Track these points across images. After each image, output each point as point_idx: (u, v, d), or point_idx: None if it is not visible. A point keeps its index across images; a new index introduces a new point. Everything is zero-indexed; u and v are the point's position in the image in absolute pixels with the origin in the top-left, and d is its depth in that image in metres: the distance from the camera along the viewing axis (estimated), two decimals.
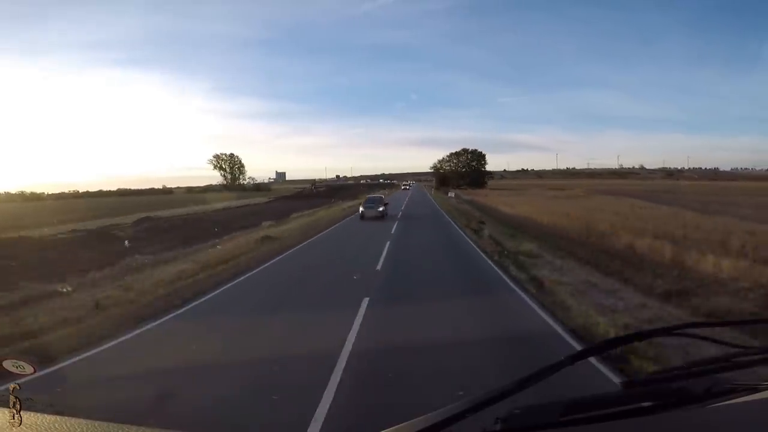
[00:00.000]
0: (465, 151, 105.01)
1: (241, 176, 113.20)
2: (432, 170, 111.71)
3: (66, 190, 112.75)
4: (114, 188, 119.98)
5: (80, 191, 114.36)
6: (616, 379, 3.97)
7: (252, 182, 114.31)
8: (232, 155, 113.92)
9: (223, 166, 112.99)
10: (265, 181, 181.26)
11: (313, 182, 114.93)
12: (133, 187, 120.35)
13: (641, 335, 0.91)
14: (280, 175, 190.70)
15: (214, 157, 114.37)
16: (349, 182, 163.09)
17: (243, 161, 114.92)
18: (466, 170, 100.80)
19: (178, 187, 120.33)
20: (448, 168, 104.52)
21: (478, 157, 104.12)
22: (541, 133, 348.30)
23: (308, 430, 3.39)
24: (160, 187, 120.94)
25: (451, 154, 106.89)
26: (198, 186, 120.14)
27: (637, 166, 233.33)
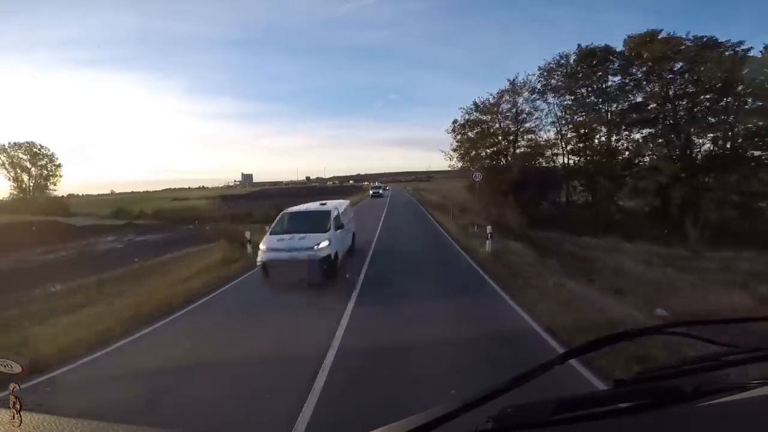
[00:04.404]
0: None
1: (52, 180, 57.48)
2: (459, 159, 30.74)
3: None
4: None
5: None
6: None
7: (51, 193, 56.65)
8: (31, 144, 56.12)
9: (22, 163, 55.94)
10: (230, 184, 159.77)
11: None
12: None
13: (630, 334, 0.92)
14: (247, 178, 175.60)
15: None
16: (313, 185, 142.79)
17: (56, 157, 58.09)
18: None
19: None
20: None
21: None
22: None
23: None
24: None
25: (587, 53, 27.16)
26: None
27: None
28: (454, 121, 30.45)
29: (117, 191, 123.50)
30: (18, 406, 0.95)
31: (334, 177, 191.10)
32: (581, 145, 28.15)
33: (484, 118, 29.75)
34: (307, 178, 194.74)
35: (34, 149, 57.15)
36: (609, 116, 27.27)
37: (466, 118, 30.11)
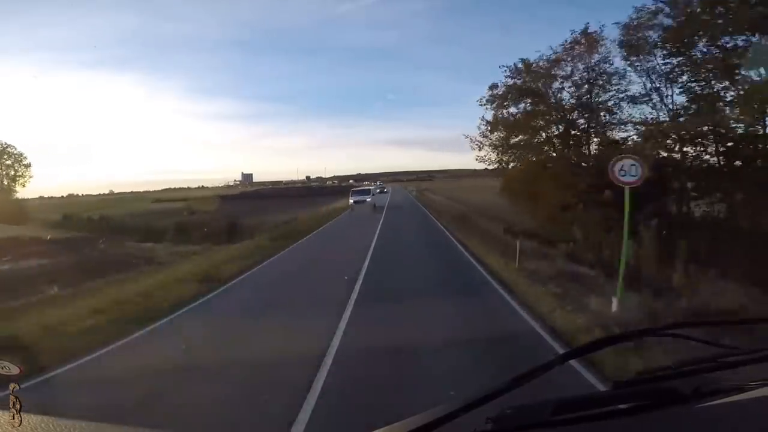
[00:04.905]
0: None
1: (20, 181, 50.68)
2: (494, 149, 19.62)
3: None
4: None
5: None
6: None
7: (15, 195, 50.53)
8: None
9: None
10: (230, 183, 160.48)
11: None
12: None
13: (630, 336, 0.93)
14: (247, 177, 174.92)
15: None
16: (313, 184, 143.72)
17: (25, 157, 50.16)
18: None
19: None
20: None
21: None
22: None
23: None
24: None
25: None
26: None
27: None
28: (492, 87, 19.40)
29: (117, 191, 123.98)
30: (18, 406, 0.95)
31: (334, 176, 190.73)
32: (706, 128, 15.60)
33: (534, 86, 18.95)
34: (307, 177, 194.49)
35: None
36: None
37: (508, 83, 19.12)
